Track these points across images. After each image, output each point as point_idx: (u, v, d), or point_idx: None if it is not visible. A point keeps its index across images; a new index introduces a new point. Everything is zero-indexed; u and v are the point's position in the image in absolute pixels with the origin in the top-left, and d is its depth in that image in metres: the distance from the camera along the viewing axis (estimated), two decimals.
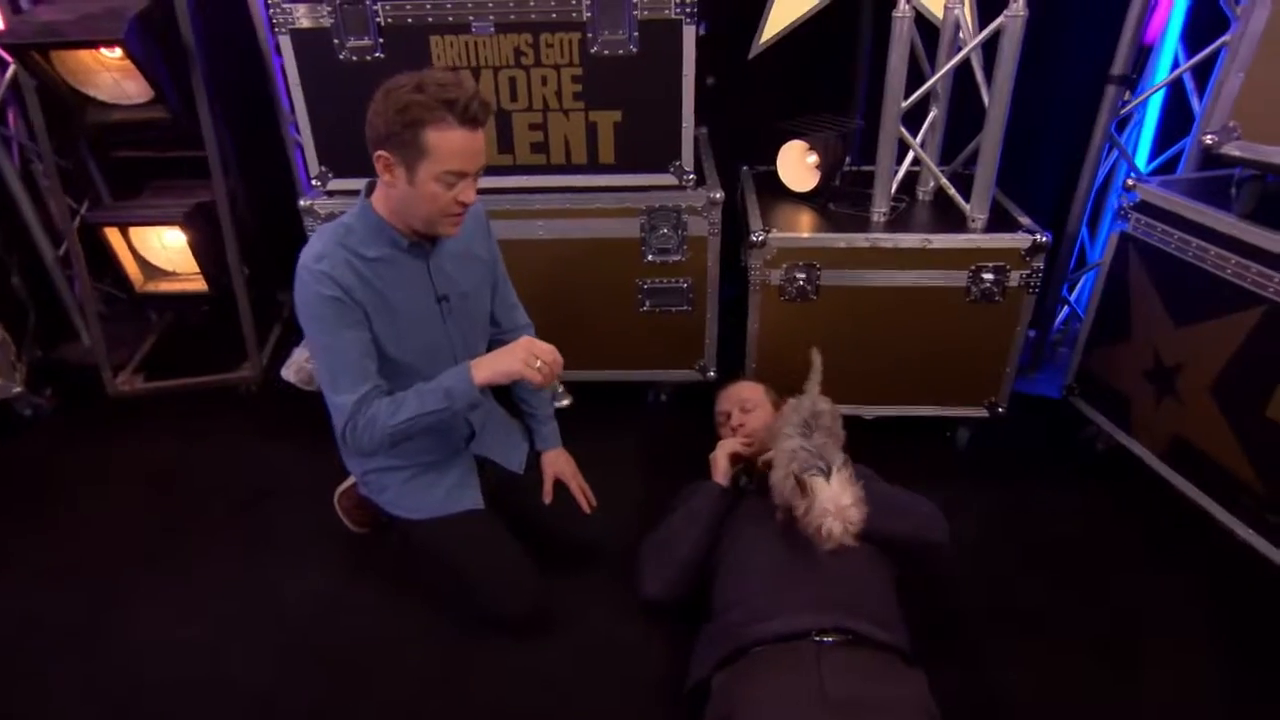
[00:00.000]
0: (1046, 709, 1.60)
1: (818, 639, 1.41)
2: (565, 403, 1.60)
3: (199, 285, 2.54)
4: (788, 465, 1.52)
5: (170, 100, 2.18)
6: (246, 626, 1.80)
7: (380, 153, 1.46)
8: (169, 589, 1.91)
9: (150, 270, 2.60)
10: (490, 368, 1.55)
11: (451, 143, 1.42)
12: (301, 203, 2.15)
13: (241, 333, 2.57)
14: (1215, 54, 2.11)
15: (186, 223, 2.35)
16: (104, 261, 2.55)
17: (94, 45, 2.05)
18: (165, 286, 2.61)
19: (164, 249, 2.54)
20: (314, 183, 2.16)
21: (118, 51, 2.06)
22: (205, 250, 2.44)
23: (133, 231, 2.48)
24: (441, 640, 1.76)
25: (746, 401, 1.94)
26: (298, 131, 2.45)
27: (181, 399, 2.56)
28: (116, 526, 2.11)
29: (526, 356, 1.51)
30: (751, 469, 1.83)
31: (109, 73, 2.16)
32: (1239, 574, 1.86)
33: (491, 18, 1.93)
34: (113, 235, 2.46)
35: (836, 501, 1.42)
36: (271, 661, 1.72)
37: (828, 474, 1.46)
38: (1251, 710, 1.59)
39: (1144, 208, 1.99)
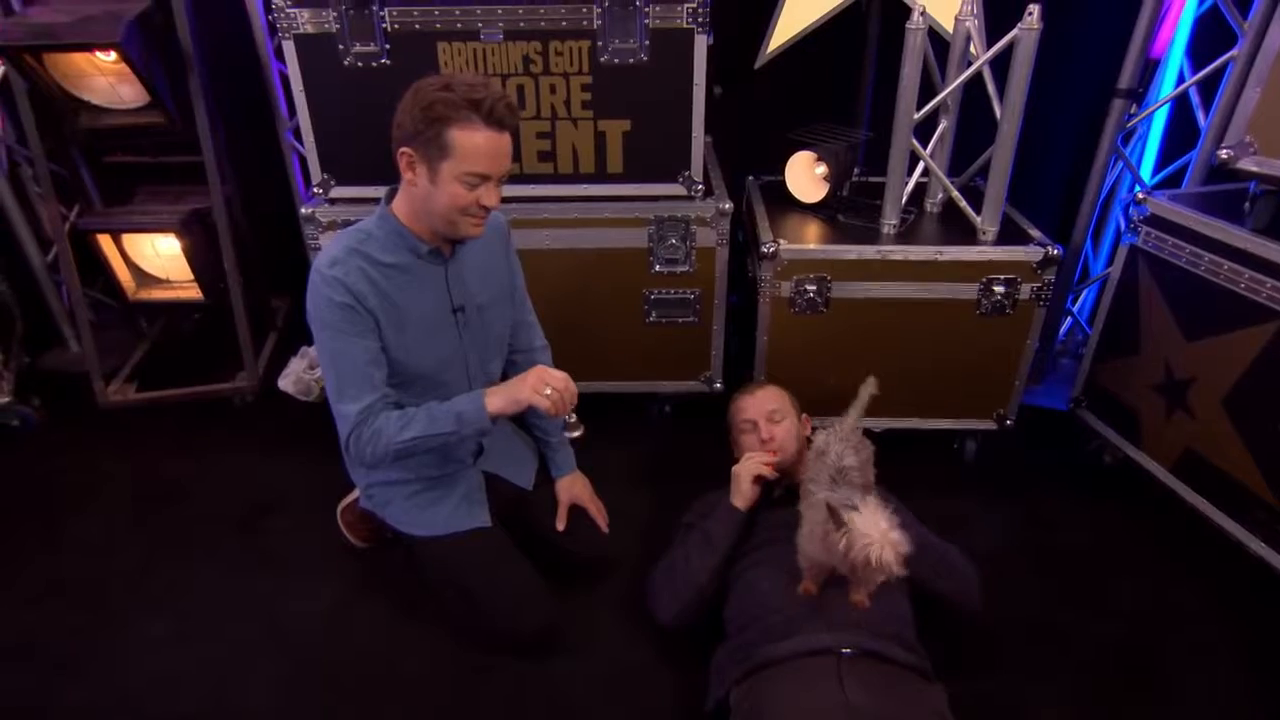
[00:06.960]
0: None
1: (839, 652, 1.40)
2: (576, 434, 1.58)
3: (193, 293, 2.48)
4: (813, 515, 1.44)
5: (167, 105, 2.14)
6: (249, 651, 1.74)
7: (404, 149, 1.45)
8: (165, 612, 1.84)
9: (143, 278, 2.54)
10: (504, 396, 1.54)
11: (475, 143, 1.41)
12: (303, 210, 2.10)
13: (237, 342, 2.51)
14: (1222, 69, 2.13)
15: (182, 230, 2.30)
16: (94, 268, 2.49)
17: (89, 48, 2.00)
18: (158, 294, 2.55)
19: (157, 256, 2.48)
20: (315, 190, 2.11)
21: (113, 55, 2.00)
22: (200, 258, 2.38)
23: (125, 238, 2.42)
24: (451, 662, 1.71)
25: (775, 412, 1.83)
26: (295, 137, 2.41)
27: (175, 410, 2.50)
28: (108, 545, 2.03)
29: (537, 384, 1.50)
30: (774, 487, 1.78)
31: (104, 76, 2.11)
32: (1252, 588, 1.86)
33: (501, 25, 1.90)
34: (105, 242, 2.40)
35: (876, 526, 1.31)
36: (276, 687, 1.67)
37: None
38: None
39: (1154, 221, 1.99)
